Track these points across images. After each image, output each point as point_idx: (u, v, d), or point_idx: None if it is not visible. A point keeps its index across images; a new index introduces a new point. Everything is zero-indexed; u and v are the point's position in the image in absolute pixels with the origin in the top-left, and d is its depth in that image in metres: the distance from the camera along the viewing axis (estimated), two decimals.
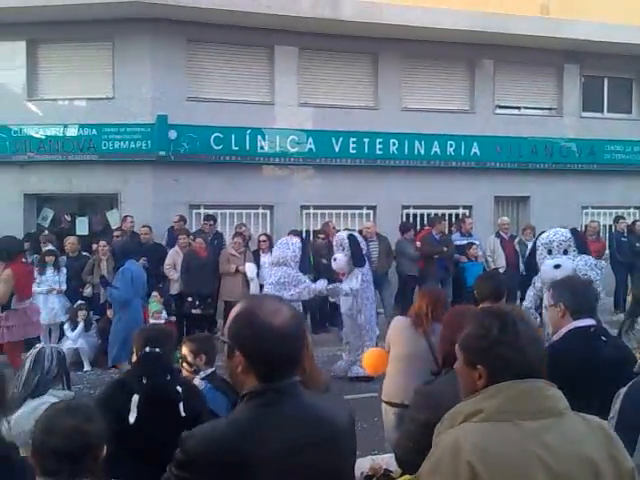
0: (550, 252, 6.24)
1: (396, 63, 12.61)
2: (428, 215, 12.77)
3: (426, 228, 11.64)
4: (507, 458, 1.57)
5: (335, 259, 8.21)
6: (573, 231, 6.57)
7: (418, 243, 10.82)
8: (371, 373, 4.87)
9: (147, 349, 3.26)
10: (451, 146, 12.73)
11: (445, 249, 10.61)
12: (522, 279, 10.16)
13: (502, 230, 11.40)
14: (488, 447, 1.58)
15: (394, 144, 12.40)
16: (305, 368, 2.59)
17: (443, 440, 1.66)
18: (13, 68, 11.58)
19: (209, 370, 3.83)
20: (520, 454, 1.57)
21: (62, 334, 8.99)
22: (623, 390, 2.53)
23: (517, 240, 11.40)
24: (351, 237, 8.19)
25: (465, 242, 10.92)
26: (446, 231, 11.41)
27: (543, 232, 6.65)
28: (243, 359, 1.70)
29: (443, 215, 12.44)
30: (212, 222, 10.85)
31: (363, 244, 8.42)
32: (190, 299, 9.56)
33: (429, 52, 12.66)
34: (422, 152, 12.57)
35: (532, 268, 6.75)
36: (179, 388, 3.19)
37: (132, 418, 3.01)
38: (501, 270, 10.06)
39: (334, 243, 8.51)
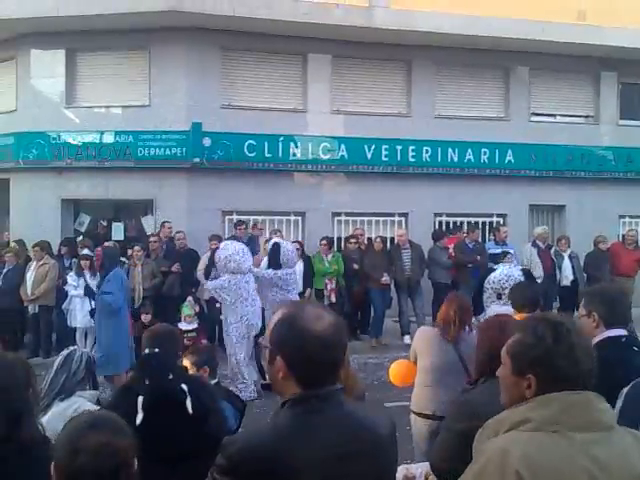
0: (500, 297, 5.75)
1: (429, 70, 12.57)
2: (461, 223, 12.67)
3: (458, 235, 11.53)
4: (556, 470, 1.54)
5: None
6: (527, 274, 6.15)
7: (451, 250, 10.73)
8: (398, 385, 4.80)
9: (147, 350, 3.29)
10: (485, 153, 12.61)
11: (478, 257, 10.49)
12: (560, 290, 10.04)
13: (539, 240, 11.19)
14: (537, 458, 1.55)
15: (427, 151, 12.34)
16: (341, 375, 2.57)
17: (489, 448, 1.63)
18: (52, 76, 11.87)
19: (213, 382, 3.83)
20: (569, 466, 1.55)
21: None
22: (625, 390, 2.52)
23: (552, 250, 11.21)
24: (275, 245, 8.28)
25: (499, 251, 10.76)
26: (479, 239, 11.26)
27: (493, 271, 6.13)
28: (284, 364, 1.70)
29: (476, 223, 12.32)
30: (244, 226, 10.85)
31: (289, 255, 8.30)
32: (219, 304, 9.60)
33: (463, 59, 12.58)
34: (455, 159, 12.49)
35: (476, 308, 5.79)
36: (184, 386, 3.16)
37: (139, 419, 3.01)
38: (538, 280, 9.91)
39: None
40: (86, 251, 9.78)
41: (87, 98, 11.97)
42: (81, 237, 11.03)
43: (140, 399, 3.06)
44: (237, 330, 7.67)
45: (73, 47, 11.86)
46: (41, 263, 9.57)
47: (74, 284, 9.25)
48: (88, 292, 8.75)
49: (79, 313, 9.19)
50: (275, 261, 8.10)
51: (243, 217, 11.61)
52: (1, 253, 10.07)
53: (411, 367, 4.54)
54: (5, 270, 9.67)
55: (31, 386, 2.38)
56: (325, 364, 1.70)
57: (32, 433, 2.27)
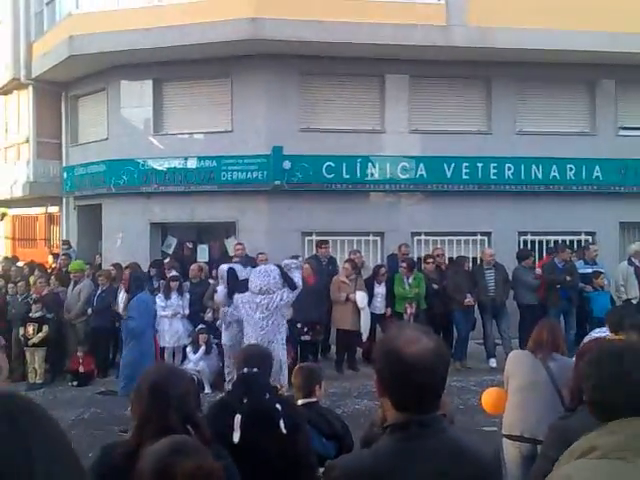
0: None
1: (510, 87, 12.34)
2: (547, 242, 12.28)
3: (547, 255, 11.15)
4: None
5: (216, 291, 8.27)
6: None
7: (539, 270, 10.39)
8: (491, 412, 4.72)
9: (245, 370, 3.33)
10: (571, 170, 12.21)
11: (569, 278, 10.10)
12: None
13: (635, 257, 10.65)
14: None
15: (509, 169, 12.08)
16: None
17: (555, 475, 1.62)
18: (141, 106, 12.48)
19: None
20: None
21: (184, 356, 9.39)
22: None
23: None
24: (230, 270, 8.04)
25: (590, 270, 10.35)
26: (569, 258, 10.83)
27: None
28: (379, 385, 1.75)
29: (564, 242, 11.89)
30: (326, 246, 10.86)
31: (244, 274, 8.04)
32: (299, 325, 9.66)
33: (544, 74, 12.28)
34: (540, 176, 12.16)
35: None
36: (278, 406, 3.23)
37: (236, 438, 3.07)
38: (634, 301, 9.46)
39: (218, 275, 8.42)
40: (173, 272, 10.11)
41: (173, 126, 12.49)
42: (168, 259, 11.41)
43: (238, 417, 3.12)
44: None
45: (160, 77, 12.44)
46: None
47: (162, 305, 9.59)
48: (116, 315, 8.92)
49: (167, 333, 9.51)
50: (233, 288, 7.80)
51: (323, 238, 11.71)
52: (95, 276, 10.59)
53: (503, 394, 4.50)
54: (99, 291, 10.14)
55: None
56: (419, 389, 1.68)
57: (208, 434, 2.41)
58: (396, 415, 1.71)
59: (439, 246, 11.60)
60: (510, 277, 10.36)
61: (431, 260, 10.55)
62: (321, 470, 3.10)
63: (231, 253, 11.79)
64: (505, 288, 10.25)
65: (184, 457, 1.80)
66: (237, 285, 7.77)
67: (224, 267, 8.26)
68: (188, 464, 1.77)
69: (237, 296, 7.58)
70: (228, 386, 7.65)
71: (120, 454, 2.30)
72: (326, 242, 10.98)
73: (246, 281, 7.64)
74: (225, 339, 8.33)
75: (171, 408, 2.34)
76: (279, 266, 7.84)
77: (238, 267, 8.28)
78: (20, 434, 0.95)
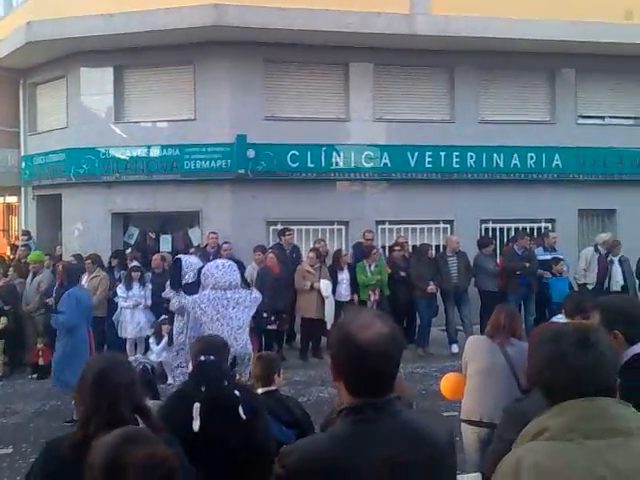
0: None
1: (472, 75, 12.45)
2: (508, 229, 12.47)
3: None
4: (567, 477, 1.52)
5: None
6: None
7: (499, 258, 10.57)
8: (449, 398, 4.78)
9: (202, 357, 3.31)
10: (532, 158, 12.40)
11: (528, 265, 10.28)
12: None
13: (602, 246, 10.84)
14: (548, 465, 1.54)
15: (471, 157, 12.21)
16: None
17: (507, 459, 1.64)
18: (101, 93, 12.23)
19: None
20: (582, 474, 1.52)
21: (147, 347, 9.30)
22: None
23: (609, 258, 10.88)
24: (176, 260, 7.79)
25: (549, 257, 10.55)
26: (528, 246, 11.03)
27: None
28: (333, 369, 1.75)
29: (524, 229, 12.10)
30: (289, 233, 10.77)
31: (191, 267, 7.45)
32: (265, 315, 9.65)
33: (507, 63, 12.42)
34: (501, 165, 12.32)
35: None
36: (237, 392, 3.23)
37: (196, 426, 3.05)
38: (589, 287, 9.67)
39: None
40: (135, 263, 9.98)
41: (135, 114, 12.28)
42: (130, 249, 11.26)
43: (197, 406, 3.10)
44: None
45: (121, 64, 12.20)
46: (93, 275, 9.79)
47: (124, 296, 9.48)
48: (48, 308, 8.69)
49: (129, 324, 9.41)
50: (174, 280, 7.35)
51: (287, 227, 11.69)
52: (55, 267, 10.36)
53: (462, 380, 4.55)
54: (57, 284, 9.92)
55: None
56: (373, 373, 1.69)
57: (158, 423, 2.39)
58: (351, 399, 1.72)
59: (402, 234, 11.69)
60: (471, 264, 10.51)
61: (398, 248, 10.65)
62: None
63: (195, 243, 11.71)
64: (467, 275, 10.42)
65: (135, 446, 1.74)
66: (188, 286, 7.24)
67: (186, 259, 7.80)
68: (140, 453, 1.71)
69: (200, 296, 7.04)
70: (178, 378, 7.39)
71: (67, 447, 2.25)
72: (289, 230, 10.93)
73: (197, 282, 7.34)
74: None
75: (119, 397, 2.31)
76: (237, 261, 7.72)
77: (194, 260, 7.96)
78: None
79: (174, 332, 7.68)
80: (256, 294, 7.37)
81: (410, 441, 1.69)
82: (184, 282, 7.24)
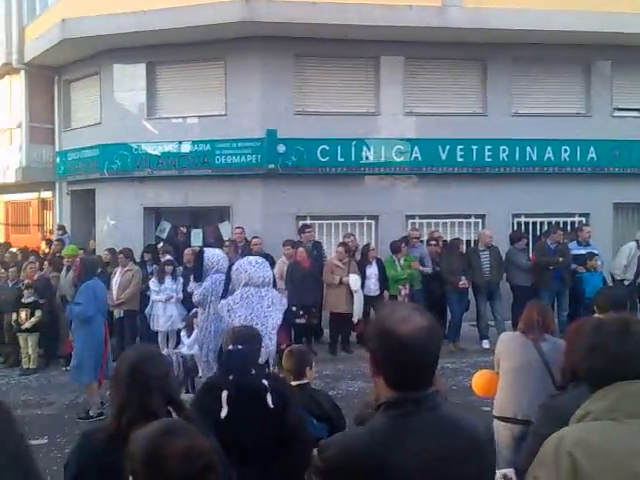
0: None
1: (506, 68, 12.26)
2: (541, 224, 12.28)
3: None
4: (609, 451, 1.62)
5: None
6: None
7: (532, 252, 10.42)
8: (482, 395, 4.73)
9: (230, 347, 3.36)
10: (566, 151, 12.18)
11: (561, 259, 10.12)
12: None
13: None
14: (590, 440, 1.64)
15: (504, 151, 12.05)
16: None
17: (546, 443, 1.74)
18: (134, 90, 12.37)
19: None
20: (623, 448, 1.62)
21: (179, 341, 9.39)
22: None
23: None
24: (199, 253, 7.69)
25: (583, 252, 10.36)
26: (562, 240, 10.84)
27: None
28: (372, 363, 1.75)
29: (557, 223, 11.90)
30: (309, 230, 10.75)
31: (216, 262, 7.40)
32: (294, 309, 9.66)
33: (541, 55, 12.20)
34: (534, 158, 12.13)
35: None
36: (265, 381, 3.26)
37: (223, 413, 3.09)
38: (626, 282, 9.47)
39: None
40: (168, 257, 10.09)
41: (166, 109, 12.40)
42: (162, 244, 11.38)
43: (224, 394, 3.14)
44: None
45: (153, 61, 12.31)
46: (125, 269, 9.95)
47: (156, 289, 9.59)
48: (64, 300, 8.82)
49: (161, 317, 9.52)
50: (197, 271, 7.33)
51: (317, 222, 11.70)
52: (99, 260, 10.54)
53: (494, 378, 4.50)
54: (74, 276, 10.08)
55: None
56: (413, 367, 1.69)
57: (189, 413, 2.42)
58: (390, 393, 1.72)
59: (433, 229, 11.61)
60: (504, 259, 10.38)
61: (434, 242, 10.59)
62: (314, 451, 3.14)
63: (225, 237, 11.78)
64: (499, 270, 10.30)
65: (174, 438, 1.76)
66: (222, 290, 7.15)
67: (209, 252, 7.72)
68: (179, 444, 1.73)
69: (234, 296, 6.81)
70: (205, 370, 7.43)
71: (101, 438, 2.30)
72: (309, 226, 10.91)
73: (227, 283, 7.32)
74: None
75: (152, 390, 2.34)
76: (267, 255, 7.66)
77: (217, 252, 7.94)
78: None
79: (196, 325, 7.75)
80: (284, 300, 7.30)
81: (450, 435, 1.69)
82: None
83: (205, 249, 7.98)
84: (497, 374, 4.49)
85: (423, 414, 1.68)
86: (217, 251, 8.11)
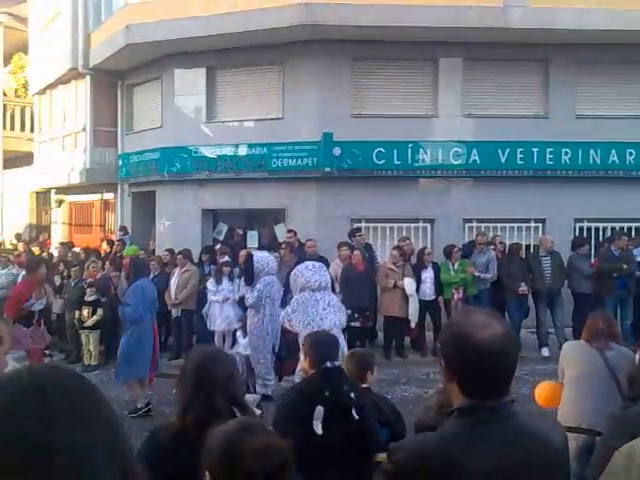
0: None
1: (569, 69, 11.93)
2: (604, 229, 11.89)
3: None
4: None
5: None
6: None
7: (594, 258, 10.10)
8: (545, 406, 4.63)
9: (328, 364, 3.35)
10: (631, 154, 11.76)
11: (625, 266, 9.76)
12: None
13: None
14: None
15: (566, 153, 11.72)
16: None
17: (617, 453, 1.72)
18: (194, 93, 12.63)
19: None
20: None
21: (234, 341, 9.50)
22: None
23: None
24: (248, 256, 7.77)
25: None
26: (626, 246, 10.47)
27: None
28: (446, 369, 1.72)
29: (622, 229, 11.49)
30: (360, 234, 10.73)
31: (266, 264, 7.72)
32: (349, 312, 9.61)
33: (605, 56, 11.80)
34: (598, 161, 11.75)
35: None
36: (352, 394, 3.29)
37: (319, 429, 3.11)
38: None
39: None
40: (225, 258, 10.23)
41: (225, 113, 12.61)
42: (219, 245, 11.55)
43: (320, 409, 3.17)
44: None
45: (212, 65, 12.54)
46: (184, 270, 10.14)
47: (213, 290, 9.73)
48: (115, 301, 8.96)
49: (218, 317, 9.65)
50: (248, 275, 7.57)
51: (371, 225, 11.66)
52: (148, 261, 10.80)
53: (558, 387, 4.43)
54: (151, 277, 10.33)
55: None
56: (490, 375, 1.66)
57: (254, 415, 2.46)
58: (464, 400, 1.69)
59: (492, 234, 11.38)
60: (565, 265, 10.10)
61: (493, 247, 10.43)
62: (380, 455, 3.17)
63: (280, 239, 11.87)
64: (560, 276, 10.03)
65: (251, 435, 1.81)
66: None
67: (257, 255, 8.03)
68: (256, 441, 1.78)
69: (291, 303, 7.15)
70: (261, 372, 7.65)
71: (167, 436, 2.34)
72: (360, 230, 10.90)
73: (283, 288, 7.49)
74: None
75: (217, 390, 2.37)
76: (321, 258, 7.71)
77: (265, 255, 8.09)
78: (47, 410, 0.89)
79: (249, 328, 7.88)
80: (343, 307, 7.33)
81: (526, 445, 1.65)
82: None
83: (253, 253, 8.11)
84: (561, 384, 4.41)
85: (498, 423, 1.65)
86: (265, 253, 8.24)
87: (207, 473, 1.80)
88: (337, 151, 11.56)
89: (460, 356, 1.67)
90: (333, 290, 7.64)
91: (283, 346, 7.80)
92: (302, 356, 3.59)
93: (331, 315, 6.76)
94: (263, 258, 7.90)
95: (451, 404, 1.77)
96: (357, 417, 3.22)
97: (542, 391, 4.52)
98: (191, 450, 2.03)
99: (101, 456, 0.91)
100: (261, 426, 1.92)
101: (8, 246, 15.87)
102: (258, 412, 3.09)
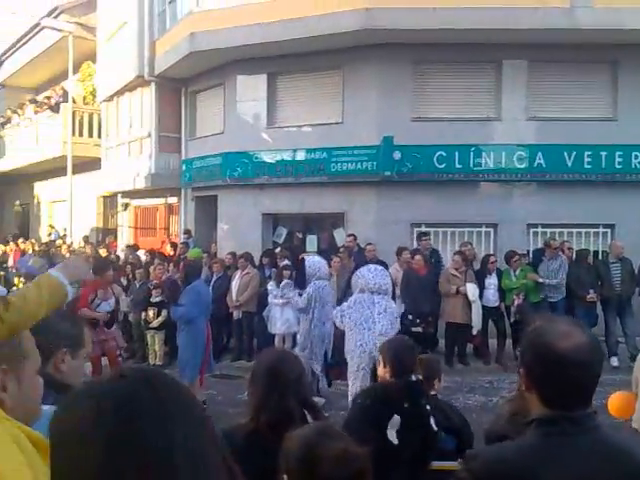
0: None
1: (639, 70, 11.49)
2: None
3: None
4: None
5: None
6: None
7: None
8: (617, 416, 4.48)
9: (413, 377, 3.35)
10: None
11: None
12: None
13: None
14: None
15: (636, 157, 11.30)
16: None
17: None
18: (255, 99, 12.80)
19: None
20: None
21: (294, 343, 9.55)
22: None
23: None
24: (301, 261, 7.68)
25: None
26: None
27: None
28: (526, 377, 1.69)
29: None
30: (426, 238, 10.69)
31: (317, 269, 7.74)
32: (410, 317, 9.53)
33: None
34: None
35: None
36: (428, 407, 3.28)
37: (394, 438, 3.10)
38: None
39: None
40: (285, 262, 10.31)
41: (285, 118, 12.72)
42: (279, 249, 11.65)
43: (397, 419, 3.16)
44: (352, 360, 6.70)
45: (273, 71, 12.68)
46: (245, 272, 10.29)
47: (274, 292, 9.81)
48: (168, 300, 9.06)
49: (278, 320, 9.71)
50: (300, 279, 7.66)
51: (432, 229, 11.52)
52: (210, 263, 11.02)
53: (632, 398, 4.29)
54: (214, 279, 10.53)
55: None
56: (572, 385, 1.61)
57: (324, 418, 2.50)
58: (544, 410, 1.65)
59: (558, 238, 11.05)
60: (636, 272, 9.72)
61: (561, 252, 10.15)
62: (442, 463, 3.18)
63: (339, 244, 11.88)
64: (631, 283, 9.66)
65: (330, 440, 1.81)
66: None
67: (309, 260, 8.07)
68: (334, 447, 1.78)
69: (348, 302, 7.03)
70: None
71: (240, 436, 2.36)
72: (426, 234, 10.80)
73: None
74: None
75: (289, 390, 2.39)
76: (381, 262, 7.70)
77: (317, 259, 8.14)
78: (160, 401, 0.92)
79: (300, 331, 7.91)
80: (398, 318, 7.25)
81: (609, 460, 1.59)
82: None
83: (306, 257, 8.15)
84: (635, 394, 4.26)
85: (579, 435, 1.60)
86: (317, 258, 8.27)
87: (285, 476, 1.81)
88: (397, 155, 11.49)
89: (541, 365, 1.63)
90: (393, 297, 7.57)
91: (335, 352, 7.80)
92: (381, 363, 3.55)
93: (384, 321, 6.68)
94: (315, 263, 7.94)
95: (526, 413, 1.73)
96: (436, 428, 3.23)
97: (615, 401, 4.41)
98: (265, 451, 2.04)
99: (213, 454, 0.92)
100: (338, 431, 1.92)
101: (77, 248, 16.45)
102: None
